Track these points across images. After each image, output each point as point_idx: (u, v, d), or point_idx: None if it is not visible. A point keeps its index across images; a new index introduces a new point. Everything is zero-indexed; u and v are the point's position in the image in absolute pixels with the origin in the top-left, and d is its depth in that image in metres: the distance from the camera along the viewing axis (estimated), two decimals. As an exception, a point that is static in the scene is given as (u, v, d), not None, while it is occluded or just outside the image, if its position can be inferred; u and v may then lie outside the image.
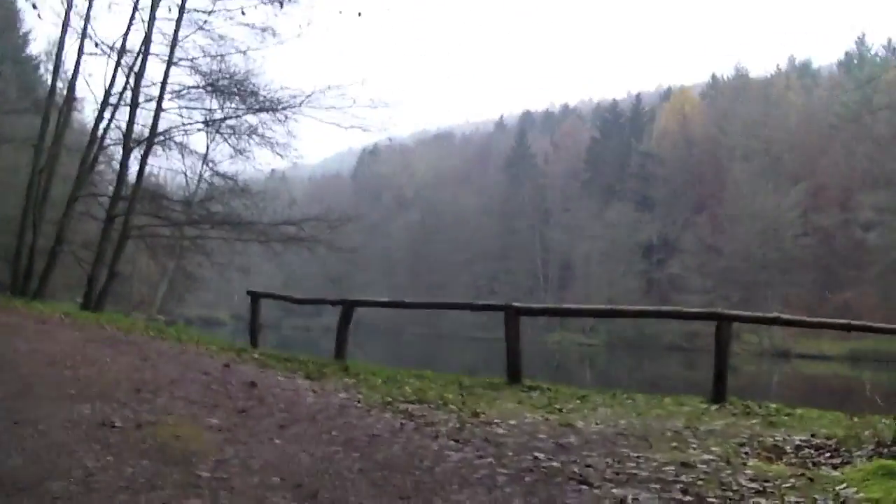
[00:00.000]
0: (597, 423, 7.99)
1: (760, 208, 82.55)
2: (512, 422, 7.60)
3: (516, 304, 13.29)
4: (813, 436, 7.81)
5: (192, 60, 26.84)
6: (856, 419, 10.21)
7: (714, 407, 10.62)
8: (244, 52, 26.45)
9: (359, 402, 8.18)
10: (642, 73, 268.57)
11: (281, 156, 28.22)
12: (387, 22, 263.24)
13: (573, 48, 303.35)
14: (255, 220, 27.61)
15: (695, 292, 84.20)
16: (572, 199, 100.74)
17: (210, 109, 28.05)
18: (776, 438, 7.62)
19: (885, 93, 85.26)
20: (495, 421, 7.52)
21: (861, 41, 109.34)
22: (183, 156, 29.13)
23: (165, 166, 31.35)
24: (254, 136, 28.43)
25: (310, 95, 25.95)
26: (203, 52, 26.81)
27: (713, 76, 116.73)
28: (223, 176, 30.24)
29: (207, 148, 31.34)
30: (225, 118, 27.72)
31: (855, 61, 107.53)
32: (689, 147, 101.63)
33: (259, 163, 30.62)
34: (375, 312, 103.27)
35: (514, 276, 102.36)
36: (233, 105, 27.65)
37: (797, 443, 7.44)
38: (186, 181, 31.30)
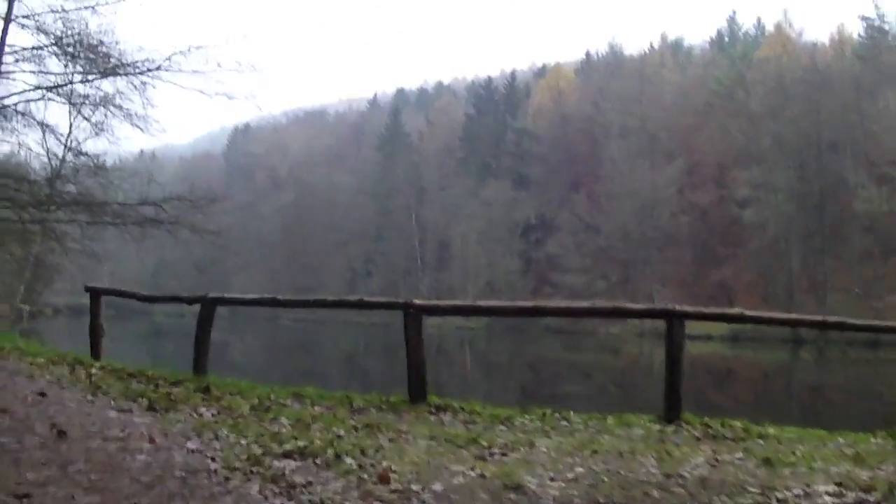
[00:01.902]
0: (550, 478, 5.78)
1: (637, 186, 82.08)
2: (436, 487, 5.30)
3: (418, 301, 10.97)
4: (840, 485, 5.79)
5: (34, 17, 23.54)
6: (841, 438, 8.48)
7: (670, 428, 8.70)
8: (93, 8, 23.28)
9: (214, 458, 5.74)
10: (517, 50, 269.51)
11: (140, 129, 25.19)
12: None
13: (447, 25, 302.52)
14: (109, 200, 24.62)
15: (574, 271, 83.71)
16: (448, 178, 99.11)
17: (56, 74, 24.76)
18: (794, 492, 5.59)
19: (758, 69, 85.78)
20: (413, 488, 5.20)
21: (732, 20, 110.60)
22: (43, 132, 26.02)
23: (25, 144, 28.08)
24: (109, 108, 25.52)
25: (169, 58, 23.04)
26: (49, 7, 23.49)
27: (587, 53, 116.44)
28: (79, 153, 27.29)
29: (70, 127, 28.31)
30: (71, 83, 24.52)
31: (726, 39, 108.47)
32: (564, 124, 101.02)
33: (120, 140, 27.59)
34: (250, 289, 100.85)
35: (390, 257, 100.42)
36: (81, 69, 24.48)
37: (829, 500, 5.41)
38: (49, 160, 28.16)
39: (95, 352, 12.83)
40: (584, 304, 11.60)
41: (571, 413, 9.51)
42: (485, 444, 7.18)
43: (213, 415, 7.76)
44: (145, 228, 24.49)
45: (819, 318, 11.17)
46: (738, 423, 8.98)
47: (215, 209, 29.07)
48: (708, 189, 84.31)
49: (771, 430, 8.83)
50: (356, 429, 7.64)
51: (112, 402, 7.99)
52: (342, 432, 7.37)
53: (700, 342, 65.59)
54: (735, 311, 10.42)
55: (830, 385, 43.34)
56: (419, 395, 10.01)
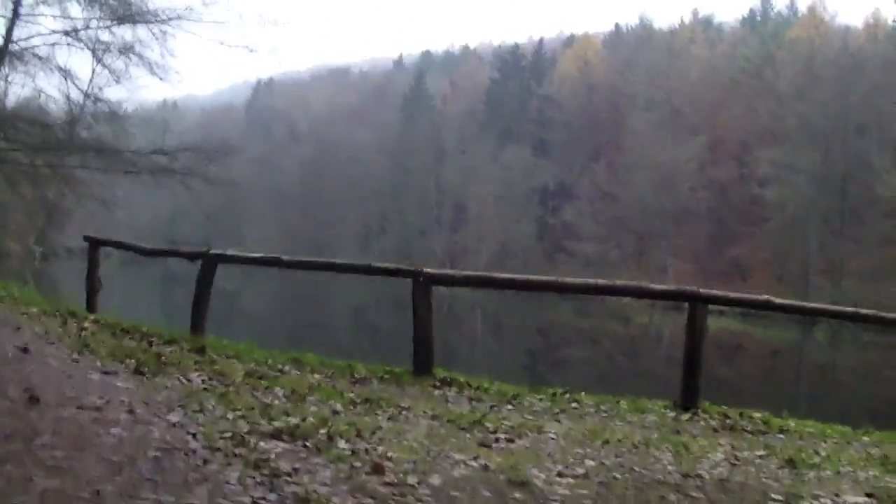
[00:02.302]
0: (559, 473, 5.32)
1: (658, 159, 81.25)
2: (435, 480, 4.83)
3: (429, 269, 10.27)
4: (872, 496, 5.40)
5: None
6: (866, 437, 8.08)
7: (686, 416, 8.26)
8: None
9: (195, 435, 5.26)
10: (545, 19, 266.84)
11: (160, 78, 24.90)
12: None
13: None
14: (122, 147, 24.18)
15: (589, 240, 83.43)
16: (469, 141, 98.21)
17: (76, 19, 24.28)
18: (822, 502, 5.16)
19: (788, 50, 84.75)
20: (409, 481, 4.72)
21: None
22: (65, 77, 25.50)
23: (44, 90, 27.60)
24: (129, 55, 25.07)
25: (190, 7, 22.54)
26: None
27: (616, 25, 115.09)
28: (97, 100, 26.85)
29: (93, 73, 27.84)
30: (89, 27, 24.03)
31: (758, 18, 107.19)
32: (589, 94, 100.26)
33: (140, 88, 27.15)
34: (263, 241, 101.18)
35: (406, 216, 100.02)
36: (101, 15, 23.97)
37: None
38: (70, 106, 27.70)
39: (91, 304, 12.38)
40: (604, 281, 10.86)
41: (583, 394, 9.08)
42: (490, 426, 6.74)
43: (203, 381, 7.22)
44: (158, 177, 24.09)
45: (851, 309, 10.50)
46: (757, 415, 8.58)
47: (231, 160, 28.67)
48: (729, 166, 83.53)
49: (792, 424, 8.43)
50: (354, 403, 7.17)
51: (98, 363, 7.46)
52: (339, 407, 6.91)
53: (711, 316, 65.35)
54: (762, 297, 9.86)
55: (841, 367, 43.11)
56: (424, 368, 9.60)
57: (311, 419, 5.99)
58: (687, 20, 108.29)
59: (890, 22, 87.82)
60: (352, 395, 7.59)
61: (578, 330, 51.50)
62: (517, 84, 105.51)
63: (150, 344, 9.26)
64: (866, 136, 72.68)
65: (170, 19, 23.12)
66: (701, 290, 9.41)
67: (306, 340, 38.94)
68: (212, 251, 11.35)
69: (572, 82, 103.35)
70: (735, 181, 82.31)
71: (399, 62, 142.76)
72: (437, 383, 9.10)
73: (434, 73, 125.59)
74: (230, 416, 5.90)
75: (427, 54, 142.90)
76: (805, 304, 10.70)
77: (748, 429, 7.97)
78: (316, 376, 8.73)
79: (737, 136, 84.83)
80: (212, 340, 10.23)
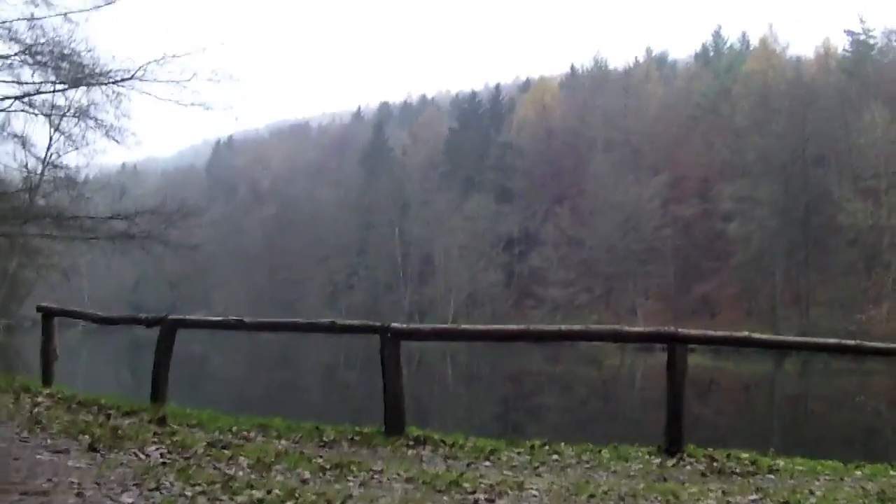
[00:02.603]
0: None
1: (621, 199, 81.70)
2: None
3: (396, 324, 9.77)
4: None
5: (4, 25, 22.57)
6: (858, 471, 7.79)
7: (671, 462, 7.95)
8: (65, 16, 22.36)
9: None
10: (501, 65, 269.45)
11: (117, 141, 24.40)
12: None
13: (431, 39, 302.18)
14: (79, 214, 23.69)
15: (557, 285, 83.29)
16: (431, 192, 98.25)
17: (28, 84, 23.81)
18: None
19: (743, 83, 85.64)
20: None
21: (717, 34, 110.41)
22: (22, 144, 25.02)
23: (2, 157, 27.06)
24: (84, 119, 24.68)
25: (144, 67, 22.18)
26: (20, 14, 22.52)
27: (572, 67, 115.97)
28: (55, 167, 26.39)
29: (50, 140, 27.35)
30: (39, 93, 23.58)
31: (711, 53, 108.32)
32: (548, 138, 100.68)
33: (98, 153, 26.72)
34: (230, 303, 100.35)
35: (372, 271, 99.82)
36: (53, 79, 23.55)
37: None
38: (28, 174, 27.18)
39: (47, 377, 11.86)
40: (579, 327, 10.46)
41: (563, 445, 8.73)
42: (468, 486, 6.37)
43: (161, 455, 6.77)
44: (116, 243, 23.60)
45: (834, 340, 10.11)
46: (744, 455, 8.29)
47: (192, 223, 28.25)
48: (692, 203, 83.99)
49: (781, 463, 8.16)
50: (324, 470, 6.76)
51: (49, 441, 7.05)
52: (307, 475, 6.53)
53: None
54: (741, 334, 9.56)
55: (814, 396, 43.02)
56: (396, 427, 9.16)
57: (276, 491, 5.62)
58: (641, 59, 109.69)
59: (840, 51, 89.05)
60: (320, 460, 7.20)
61: (550, 376, 51.11)
62: (476, 132, 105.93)
63: (108, 417, 8.80)
64: (825, 165, 73.38)
65: (123, 80, 22.72)
66: (679, 331, 9.08)
67: (276, 402, 38.36)
68: (170, 316, 10.89)
69: (531, 127, 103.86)
70: (699, 217, 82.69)
71: (357, 115, 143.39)
72: (411, 442, 8.68)
73: (393, 124, 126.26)
74: (189, 492, 5.50)
75: (385, 106, 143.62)
76: (784, 338, 10.32)
77: (737, 471, 7.68)
78: (283, 442, 8.36)
79: (697, 173, 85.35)
80: (173, 409, 9.76)
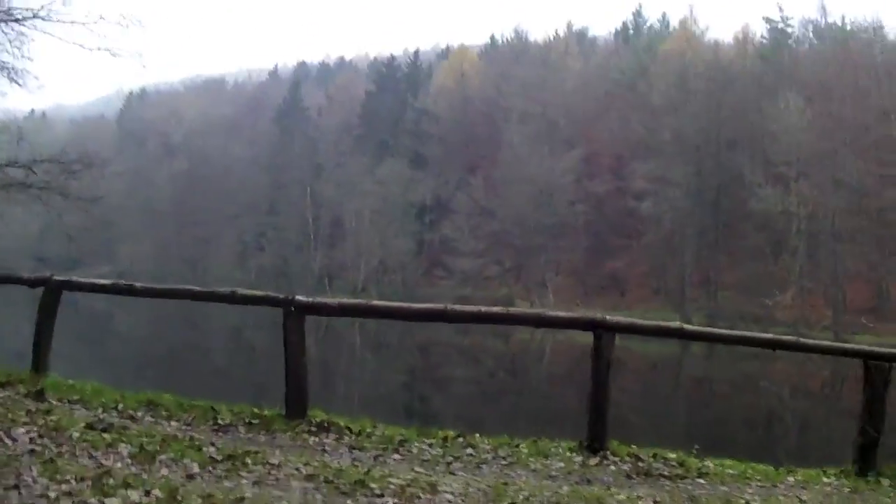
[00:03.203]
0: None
1: (535, 172, 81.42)
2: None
3: (301, 297, 8.94)
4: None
5: None
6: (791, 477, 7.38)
7: (594, 460, 7.44)
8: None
9: None
10: (421, 31, 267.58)
11: (19, 84, 22.99)
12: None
13: (351, 1, 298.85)
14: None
15: (467, 255, 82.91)
16: (345, 154, 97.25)
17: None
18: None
19: (661, 63, 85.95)
20: None
21: (638, 13, 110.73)
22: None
23: None
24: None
25: (47, 6, 20.85)
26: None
27: (492, 37, 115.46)
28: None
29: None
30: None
31: (631, 32, 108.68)
32: (465, 106, 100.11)
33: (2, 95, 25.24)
34: (137, 258, 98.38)
35: (283, 232, 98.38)
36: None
37: None
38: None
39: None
40: (499, 309, 9.74)
41: (477, 437, 8.11)
42: (376, 488, 5.71)
43: (31, 439, 5.94)
44: (11, 193, 22.31)
45: (769, 336, 9.43)
46: (671, 455, 7.83)
47: (96, 174, 26.99)
48: (605, 179, 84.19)
49: (710, 465, 7.74)
50: (215, 462, 6.02)
51: None
52: (196, 468, 5.79)
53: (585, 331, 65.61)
54: (674, 324, 9.00)
55: (720, 379, 43.42)
56: (298, 410, 8.49)
57: (156, 492, 4.89)
58: (561, 33, 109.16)
59: (758, 37, 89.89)
60: (212, 449, 6.44)
61: (459, 347, 50.74)
62: (393, 97, 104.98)
63: (-23, 389, 7.97)
64: (738, 150, 73.94)
65: (24, 18, 21.40)
66: (607, 317, 8.64)
67: (178, 364, 37.43)
68: (55, 277, 9.88)
69: (449, 94, 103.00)
70: (611, 194, 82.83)
71: (274, 73, 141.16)
72: (313, 428, 7.99)
73: (310, 84, 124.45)
74: (53, 492, 4.71)
75: (303, 65, 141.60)
76: (719, 331, 9.63)
77: (665, 473, 7.20)
78: (172, 424, 7.63)
79: (612, 150, 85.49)
80: (54, 381, 8.87)
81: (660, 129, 77.30)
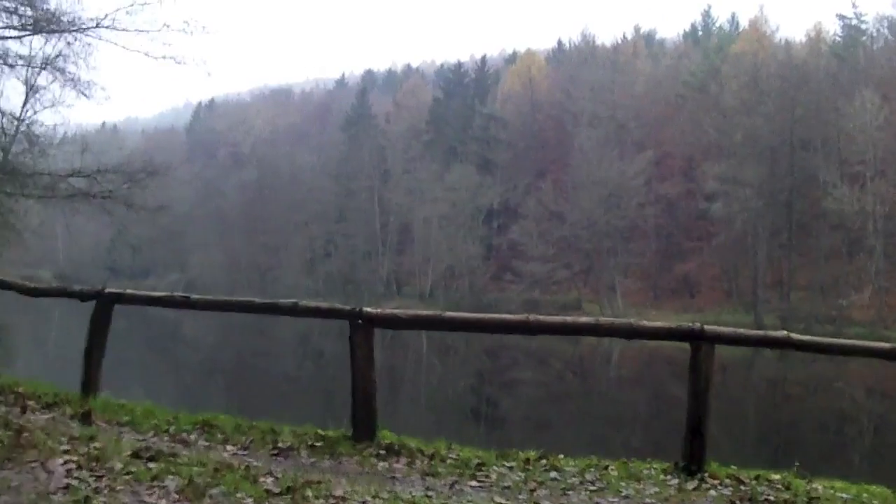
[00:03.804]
0: None
1: (605, 175, 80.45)
2: None
3: (370, 309, 8.30)
4: None
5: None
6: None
7: (691, 484, 6.76)
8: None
9: None
10: (488, 36, 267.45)
11: (85, 95, 23.07)
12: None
13: (417, 7, 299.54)
14: (39, 171, 22.26)
15: (536, 259, 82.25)
16: (413, 161, 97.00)
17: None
18: None
19: (732, 64, 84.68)
20: None
21: (707, 14, 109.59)
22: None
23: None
24: (53, 71, 23.38)
25: (112, 14, 20.74)
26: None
27: (559, 41, 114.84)
28: (25, 122, 25.06)
29: (26, 97, 26.04)
30: (2, 38, 22.11)
31: (700, 33, 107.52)
32: (533, 111, 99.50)
33: (72, 108, 25.45)
34: (207, 267, 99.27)
35: (351, 238, 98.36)
36: (16, 23, 22.07)
37: None
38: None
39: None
40: (588, 319, 8.72)
41: (561, 459, 7.44)
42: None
43: (68, 471, 5.39)
44: (75, 203, 22.20)
45: (890, 345, 8.09)
46: (775, 477, 7.11)
47: (162, 183, 26.88)
48: (676, 181, 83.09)
49: (819, 488, 6.98)
50: (271, 496, 5.45)
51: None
52: (252, 497, 5.25)
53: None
54: (779, 334, 8.02)
55: (791, 381, 42.34)
56: (366, 432, 7.91)
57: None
58: (629, 36, 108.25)
59: (831, 35, 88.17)
60: (270, 479, 5.84)
61: (526, 350, 50.05)
62: (460, 102, 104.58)
63: (24, 410, 7.47)
64: (812, 150, 72.59)
65: (89, 28, 21.32)
66: (706, 328, 7.73)
67: (244, 374, 37.25)
68: (107, 290, 9.28)
69: (516, 99, 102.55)
70: (682, 197, 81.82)
71: (341, 82, 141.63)
72: (382, 451, 7.39)
73: (377, 92, 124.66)
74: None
75: (369, 73, 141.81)
76: (830, 340, 8.52)
77: (771, 498, 6.52)
78: (228, 449, 7.07)
79: (683, 151, 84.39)
80: (104, 401, 8.36)
81: (732, 130, 76.00)
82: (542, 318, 8.09)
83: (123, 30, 21.05)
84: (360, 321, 8.13)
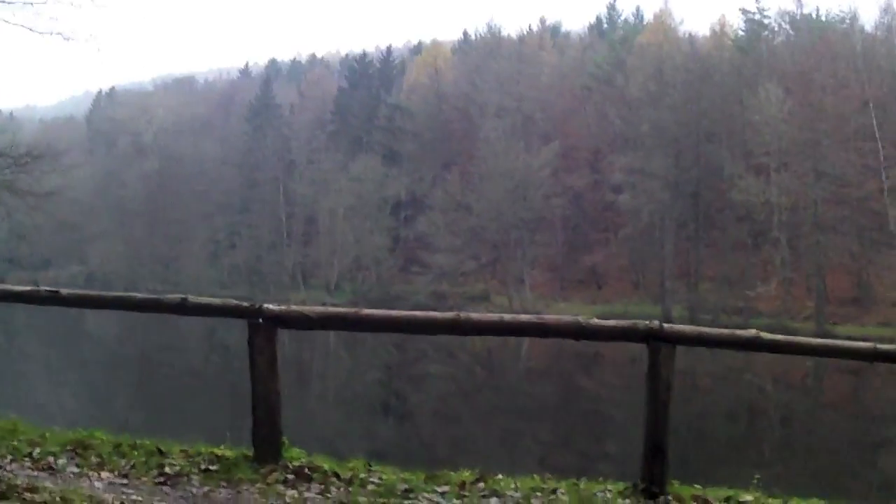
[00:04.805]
0: None
1: (511, 167, 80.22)
2: None
3: (271, 306, 6.94)
4: None
5: None
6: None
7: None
8: None
9: None
10: (394, 28, 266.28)
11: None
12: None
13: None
14: None
15: (443, 251, 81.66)
16: (318, 151, 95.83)
17: None
18: None
19: (638, 56, 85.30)
20: None
21: (612, 6, 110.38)
22: None
23: None
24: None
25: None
26: None
27: (465, 33, 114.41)
28: None
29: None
30: None
31: (605, 26, 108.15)
32: (439, 102, 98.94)
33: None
34: (108, 258, 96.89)
35: (256, 230, 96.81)
36: None
37: None
38: None
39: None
40: (529, 317, 7.28)
41: (501, 480, 6.41)
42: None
43: None
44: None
45: (869, 345, 6.80)
46: (748, 498, 6.22)
47: (60, 172, 25.34)
48: (583, 173, 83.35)
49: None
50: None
51: None
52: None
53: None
54: (748, 333, 6.89)
55: (701, 373, 42.26)
56: (270, 453, 6.67)
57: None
58: (535, 28, 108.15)
59: (735, 28, 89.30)
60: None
61: (434, 343, 49.14)
62: (366, 93, 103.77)
63: None
64: (717, 141, 73.45)
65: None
66: (665, 326, 6.72)
67: (145, 371, 35.66)
68: None
69: (422, 90, 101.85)
70: (589, 188, 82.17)
71: (245, 71, 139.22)
72: (290, 476, 6.25)
73: (281, 82, 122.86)
74: None
75: (274, 63, 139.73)
76: (807, 340, 7.09)
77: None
78: (104, 476, 5.89)
79: (589, 143, 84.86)
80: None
81: (638, 121, 76.60)
82: (474, 316, 6.98)
83: (7, 2, 19.61)
84: (260, 320, 6.83)
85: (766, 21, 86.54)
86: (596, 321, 6.83)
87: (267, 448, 6.70)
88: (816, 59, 71.98)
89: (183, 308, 7.36)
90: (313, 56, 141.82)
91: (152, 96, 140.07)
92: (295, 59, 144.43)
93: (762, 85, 69.43)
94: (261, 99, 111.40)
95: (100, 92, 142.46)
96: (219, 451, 6.87)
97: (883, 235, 65.09)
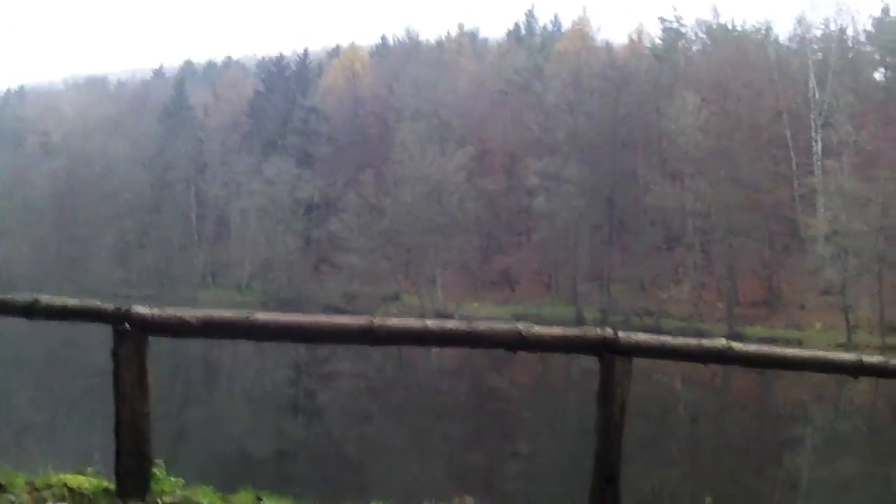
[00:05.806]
0: None
1: (427, 171, 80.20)
2: None
3: (141, 308, 5.60)
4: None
5: None
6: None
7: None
8: None
9: None
10: (311, 31, 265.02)
11: None
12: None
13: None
14: None
15: (356, 251, 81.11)
16: (231, 153, 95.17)
17: None
18: None
19: (556, 63, 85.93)
20: None
21: (531, 14, 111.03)
22: None
23: None
24: None
25: None
26: None
27: (383, 37, 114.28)
28: None
29: None
30: None
31: (523, 33, 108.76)
32: (356, 105, 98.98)
33: None
34: (14, 256, 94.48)
35: (166, 231, 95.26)
36: None
37: None
38: None
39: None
40: (456, 324, 5.88)
41: None
42: None
43: None
44: None
45: (854, 357, 5.67)
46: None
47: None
48: (498, 177, 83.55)
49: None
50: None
51: None
52: None
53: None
54: (718, 343, 5.83)
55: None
56: (136, 486, 5.51)
57: None
58: (454, 33, 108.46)
59: (652, 37, 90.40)
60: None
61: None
62: (282, 96, 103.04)
63: None
64: (633, 148, 74.22)
65: None
66: (619, 334, 5.66)
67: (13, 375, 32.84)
68: None
69: (338, 93, 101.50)
70: (504, 192, 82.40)
71: (159, 72, 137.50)
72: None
73: (196, 83, 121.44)
74: None
75: (188, 64, 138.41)
76: (783, 351, 5.66)
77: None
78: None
79: (505, 148, 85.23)
80: None
81: (555, 128, 77.34)
82: (389, 322, 5.70)
83: None
84: (126, 325, 5.53)
85: (683, 30, 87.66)
86: (539, 329, 5.63)
87: (131, 481, 5.55)
88: (732, 69, 73.06)
89: (32, 311, 6.00)
90: (229, 58, 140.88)
91: (63, 96, 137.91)
92: (210, 60, 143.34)
93: (679, 93, 70.45)
94: (174, 100, 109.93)
95: (8, 90, 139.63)
96: (75, 483, 5.67)
97: (793, 241, 66.47)
